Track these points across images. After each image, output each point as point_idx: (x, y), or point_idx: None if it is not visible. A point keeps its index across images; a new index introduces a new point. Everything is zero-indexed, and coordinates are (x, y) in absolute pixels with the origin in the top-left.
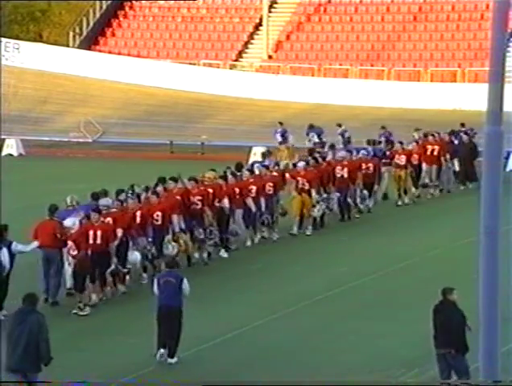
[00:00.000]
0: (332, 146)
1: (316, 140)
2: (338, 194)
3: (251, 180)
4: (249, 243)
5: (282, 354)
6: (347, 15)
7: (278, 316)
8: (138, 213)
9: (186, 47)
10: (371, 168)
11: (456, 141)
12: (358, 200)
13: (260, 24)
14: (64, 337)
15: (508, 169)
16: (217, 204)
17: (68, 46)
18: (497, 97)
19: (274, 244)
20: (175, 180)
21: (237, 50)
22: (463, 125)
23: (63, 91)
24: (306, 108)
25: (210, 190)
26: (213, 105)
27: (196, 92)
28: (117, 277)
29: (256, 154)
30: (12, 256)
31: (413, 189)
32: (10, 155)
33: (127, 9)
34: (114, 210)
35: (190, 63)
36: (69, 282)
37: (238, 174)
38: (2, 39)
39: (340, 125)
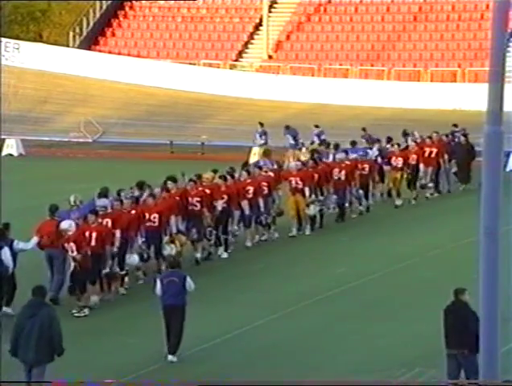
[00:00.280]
0: (337, 146)
1: (292, 141)
2: (335, 196)
3: (248, 181)
4: (249, 243)
5: (282, 354)
6: (347, 15)
7: (278, 316)
8: (133, 214)
9: (186, 47)
10: (366, 169)
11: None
12: (353, 200)
13: (260, 24)
14: (63, 337)
15: (508, 169)
16: (214, 203)
17: (68, 46)
18: (497, 97)
19: (275, 245)
20: (174, 180)
21: (237, 50)
22: (455, 125)
23: (63, 91)
24: (306, 108)
25: (208, 191)
26: (213, 105)
27: (196, 92)
28: (114, 278)
29: (256, 154)
30: (14, 254)
31: (413, 192)
32: (10, 155)
33: (127, 9)
34: (111, 211)
35: (190, 63)
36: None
37: (236, 175)
38: (2, 38)
39: (317, 126)
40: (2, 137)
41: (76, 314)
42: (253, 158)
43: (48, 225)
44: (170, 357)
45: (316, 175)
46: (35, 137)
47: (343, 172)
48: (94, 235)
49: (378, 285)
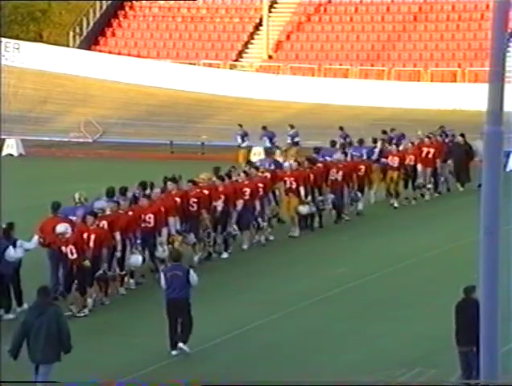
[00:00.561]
0: (361, 141)
1: (268, 144)
2: (332, 195)
3: (246, 182)
4: (245, 246)
5: (282, 353)
6: (347, 15)
7: (278, 316)
8: (131, 215)
9: (186, 47)
10: (362, 170)
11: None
12: (348, 201)
13: (260, 24)
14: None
15: (508, 169)
16: (214, 204)
17: (68, 46)
18: (497, 97)
19: (275, 245)
20: (174, 181)
21: (237, 50)
22: (442, 127)
23: (63, 91)
24: (306, 108)
25: (206, 192)
26: (213, 105)
27: (196, 92)
28: (106, 281)
29: (256, 154)
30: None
31: (414, 192)
32: (10, 155)
33: (127, 9)
34: (109, 212)
35: (190, 63)
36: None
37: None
38: (2, 38)
39: (292, 126)
40: (2, 137)
41: (78, 315)
42: (253, 158)
43: (51, 223)
44: (180, 345)
45: (312, 176)
46: (35, 137)
47: (340, 172)
48: (93, 237)
49: (378, 285)
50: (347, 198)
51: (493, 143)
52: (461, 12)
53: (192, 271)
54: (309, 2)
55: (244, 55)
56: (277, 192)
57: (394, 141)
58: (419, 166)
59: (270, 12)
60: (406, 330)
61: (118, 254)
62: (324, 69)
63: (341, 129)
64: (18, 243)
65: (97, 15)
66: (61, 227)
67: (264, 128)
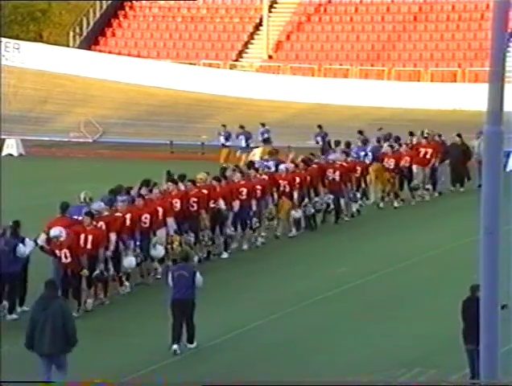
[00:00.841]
0: (365, 141)
1: (243, 144)
2: (331, 195)
3: (242, 182)
4: (245, 246)
5: (282, 353)
6: (347, 15)
7: (278, 316)
8: (128, 216)
9: (186, 47)
10: (359, 171)
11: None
12: (347, 201)
13: (260, 24)
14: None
15: (508, 169)
16: (212, 205)
17: (68, 46)
18: (497, 97)
19: (275, 245)
20: (174, 182)
21: (237, 50)
22: (423, 132)
23: (63, 91)
24: (306, 108)
25: (205, 192)
26: (213, 105)
27: (196, 92)
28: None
29: (256, 155)
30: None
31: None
32: (10, 155)
33: (127, 9)
34: (106, 213)
35: (190, 63)
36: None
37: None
38: (2, 38)
39: (263, 125)
40: (2, 137)
41: (76, 314)
42: (252, 158)
43: (59, 222)
44: (188, 345)
45: (308, 177)
46: (35, 137)
47: (337, 173)
48: (90, 238)
49: (378, 285)
50: (346, 198)
51: (493, 143)
52: (461, 12)
53: (198, 273)
54: (309, 2)
55: (244, 55)
56: (275, 195)
57: (381, 141)
58: (415, 168)
59: (270, 12)
60: (406, 330)
61: (109, 253)
62: (324, 69)
63: (320, 127)
64: (26, 241)
65: (97, 15)
66: (55, 231)
67: (242, 127)
